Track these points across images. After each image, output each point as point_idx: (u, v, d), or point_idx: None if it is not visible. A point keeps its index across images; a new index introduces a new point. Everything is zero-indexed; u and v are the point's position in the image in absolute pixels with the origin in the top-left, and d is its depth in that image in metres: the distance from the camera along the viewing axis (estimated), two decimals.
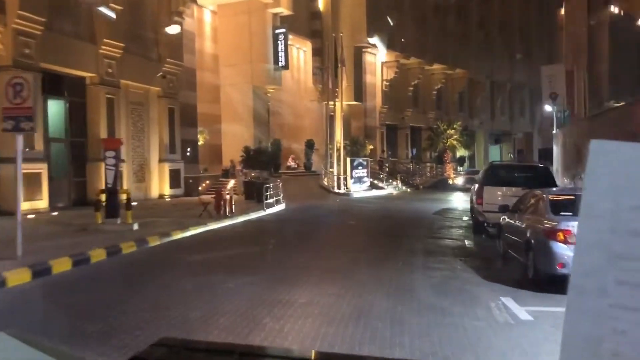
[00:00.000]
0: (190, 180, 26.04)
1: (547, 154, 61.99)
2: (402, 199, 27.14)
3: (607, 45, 63.58)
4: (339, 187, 27.69)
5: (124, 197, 13.47)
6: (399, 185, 33.79)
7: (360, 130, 40.13)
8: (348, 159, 28.14)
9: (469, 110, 52.64)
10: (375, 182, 32.48)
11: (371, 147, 31.39)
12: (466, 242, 12.98)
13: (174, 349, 1.00)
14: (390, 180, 34.08)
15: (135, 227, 12.96)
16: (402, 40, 41.92)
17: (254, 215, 17.48)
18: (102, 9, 19.15)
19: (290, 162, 38.61)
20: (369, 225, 16.56)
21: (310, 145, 36.74)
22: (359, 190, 28.82)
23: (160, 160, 24.20)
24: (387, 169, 36.21)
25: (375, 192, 29.78)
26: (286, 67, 30.58)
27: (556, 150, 20.75)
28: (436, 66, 46.64)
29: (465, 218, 17.59)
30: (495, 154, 57.96)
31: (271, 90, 32.07)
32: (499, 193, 13.44)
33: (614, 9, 65.31)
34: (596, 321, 0.81)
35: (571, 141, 18.42)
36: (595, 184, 0.83)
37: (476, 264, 10.02)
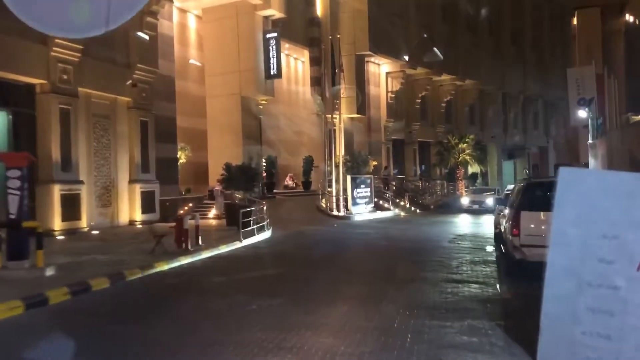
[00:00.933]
0: (167, 204, 22.61)
1: None
2: (410, 223, 23.52)
3: (623, 55, 60.08)
4: (338, 209, 24.15)
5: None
6: (407, 205, 30.20)
7: (364, 146, 36.68)
8: (348, 177, 24.64)
9: (480, 123, 49.11)
10: (381, 202, 28.92)
11: (375, 162, 27.89)
12: (499, 288, 9.38)
13: None
14: (397, 200, 30.49)
15: (49, 272, 9.49)
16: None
17: (225, 249, 13.93)
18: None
19: (288, 181, 35.23)
20: (366, 263, 12.94)
21: (308, 162, 33.36)
22: (362, 212, 25.25)
23: (131, 181, 20.82)
24: (393, 188, 32.64)
25: (380, 214, 26.19)
26: (279, 75, 27.31)
27: (593, 163, 17.26)
28: (445, 77, 43.28)
29: (489, 249, 13.98)
30: (509, 170, 54.30)
31: (263, 102, 28.77)
32: (541, 220, 9.87)
33: (629, 18, 61.77)
34: (569, 349, 0.91)
35: (620, 151, 15.00)
36: (564, 211, 0.93)
37: (525, 334, 6.41)
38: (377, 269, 11.54)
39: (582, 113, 22.93)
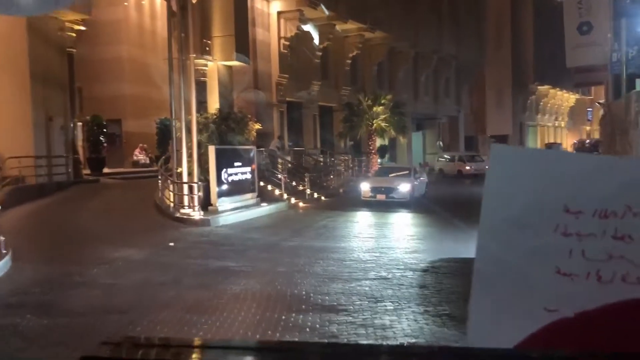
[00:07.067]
0: None
1: (472, 143, 51.03)
2: (315, 228, 13.28)
3: (532, 21, 53.85)
4: (191, 206, 13.33)
5: None
6: (308, 190, 20.08)
7: (248, 108, 25.94)
8: (212, 149, 13.89)
9: (389, 87, 39.90)
10: (269, 187, 18.52)
11: (258, 126, 17.38)
12: None
13: (126, 345, 0.92)
14: (294, 184, 20.28)
15: None
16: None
17: None
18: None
19: (138, 155, 23.76)
20: None
21: (165, 127, 22.07)
22: (236, 207, 14.69)
23: None
24: (289, 165, 22.36)
25: (266, 210, 15.78)
26: None
27: None
28: (351, 25, 33.25)
29: None
30: (417, 142, 46.10)
31: (75, 26, 17.01)
32: None
33: None
34: (496, 302, 0.93)
35: None
36: (494, 183, 0.95)
37: None
38: None
39: (587, 44, 13.94)
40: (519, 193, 0.92)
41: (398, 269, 8.21)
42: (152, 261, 8.80)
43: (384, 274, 7.89)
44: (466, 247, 9.74)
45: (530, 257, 0.92)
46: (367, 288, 7.08)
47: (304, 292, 6.88)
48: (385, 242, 10.90)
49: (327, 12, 29.63)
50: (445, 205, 17.59)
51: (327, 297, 6.65)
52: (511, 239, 0.92)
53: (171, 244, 10.18)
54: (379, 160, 30.78)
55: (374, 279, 7.60)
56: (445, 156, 37.71)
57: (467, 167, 33.18)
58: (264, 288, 7.13)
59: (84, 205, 13.59)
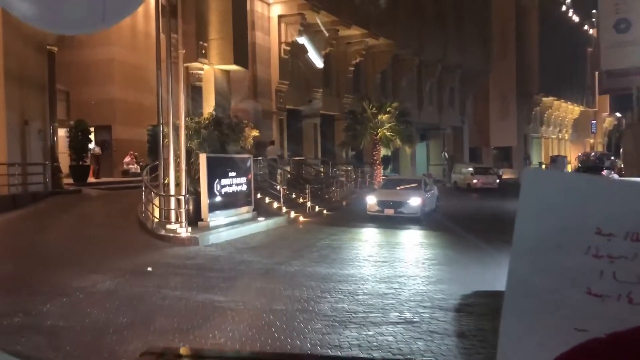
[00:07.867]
0: None
1: (475, 154, 49.49)
2: (318, 248, 11.62)
3: (537, 31, 52.56)
4: (179, 222, 11.70)
5: None
6: (309, 203, 18.45)
7: (246, 117, 24.39)
8: (203, 157, 12.30)
9: (392, 96, 38.41)
10: (267, 200, 16.89)
11: (256, 133, 15.79)
12: None
13: (165, 356, 0.92)
14: (294, 196, 18.65)
15: None
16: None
17: None
18: None
19: (128, 163, 22.16)
20: None
21: (156, 134, 20.47)
22: (230, 223, 13.06)
23: None
24: (288, 176, 20.76)
25: (263, 225, 14.13)
26: None
27: None
28: (354, 31, 31.83)
29: None
30: (422, 154, 44.55)
31: None
32: None
33: None
34: (525, 323, 0.92)
35: None
36: (527, 207, 0.94)
37: None
38: None
39: (624, 43, 12.36)
40: (551, 215, 0.91)
41: (424, 307, 6.56)
42: (120, 293, 7.13)
43: (408, 315, 6.24)
44: (496, 275, 8.13)
45: (561, 277, 0.91)
46: (390, 337, 5.42)
47: (308, 344, 5.22)
48: (402, 268, 9.23)
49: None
50: (460, 221, 15.97)
51: (339, 353, 5.00)
52: (543, 260, 0.91)
53: (149, 268, 8.50)
54: (382, 172, 29.19)
55: (397, 322, 5.94)
56: (467, 169, 35.84)
57: (475, 181, 31.57)
58: (257, 336, 5.46)
59: (58, 219, 11.94)
